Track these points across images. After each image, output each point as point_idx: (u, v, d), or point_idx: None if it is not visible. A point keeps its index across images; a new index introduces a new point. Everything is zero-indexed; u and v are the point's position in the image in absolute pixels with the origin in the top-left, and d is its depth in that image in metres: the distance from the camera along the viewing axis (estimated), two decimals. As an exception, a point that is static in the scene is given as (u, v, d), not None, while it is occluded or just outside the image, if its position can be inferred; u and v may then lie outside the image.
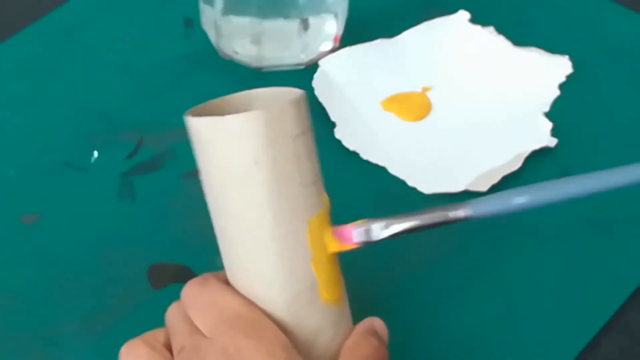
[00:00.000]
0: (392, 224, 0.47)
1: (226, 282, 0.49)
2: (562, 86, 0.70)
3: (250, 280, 0.47)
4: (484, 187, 0.63)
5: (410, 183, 0.64)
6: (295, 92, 0.47)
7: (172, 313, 0.48)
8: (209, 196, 0.47)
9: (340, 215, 0.63)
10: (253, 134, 0.44)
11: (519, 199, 0.46)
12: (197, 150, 0.47)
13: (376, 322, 0.50)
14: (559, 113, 0.69)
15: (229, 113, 0.48)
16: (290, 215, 0.46)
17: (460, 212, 0.46)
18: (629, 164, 0.66)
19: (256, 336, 0.45)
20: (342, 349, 0.48)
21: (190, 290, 0.48)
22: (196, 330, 0.46)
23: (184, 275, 0.59)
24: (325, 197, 0.48)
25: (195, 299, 0.47)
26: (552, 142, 0.66)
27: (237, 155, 0.45)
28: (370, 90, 0.70)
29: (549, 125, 0.67)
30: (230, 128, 0.45)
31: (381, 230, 0.47)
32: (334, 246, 0.47)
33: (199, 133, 0.46)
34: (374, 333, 0.49)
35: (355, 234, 0.47)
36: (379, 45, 0.72)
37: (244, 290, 0.47)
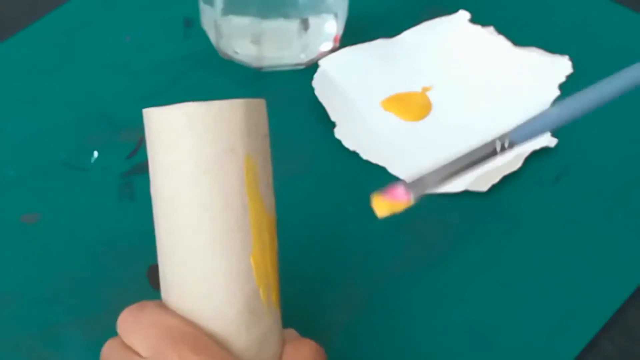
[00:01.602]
0: (441, 169, 0.45)
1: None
2: (562, 86, 0.70)
3: (193, 297, 0.46)
4: (484, 187, 0.63)
5: (410, 183, 0.64)
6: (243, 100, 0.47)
7: (108, 348, 0.46)
8: (160, 204, 0.46)
9: (340, 215, 0.63)
10: (234, 121, 0.45)
11: (553, 111, 0.44)
12: (157, 144, 0.45)
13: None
14: (559, 113, 0.68)
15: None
16: (258, 210, 0.45)
17: (505, 141, 0.44)
18: (628, 164, 0.66)
19: (204, 352, 0.43)
20: (284, 353, 0.47)
21: (128, 316, 0.45)
22: (137, 355, 0.44)
23: (184, 275, 0.59)
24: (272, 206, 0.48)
25: (135, 324, 0.45)
26: (552, 142, 0.66)
27: (214, 140, 0.44)
28: (370, 90, 0.70)
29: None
30: (206, 116, 0.44)
31: (433, 177, 0.44)
32: (385, 209, 0.44)
33: (169, 124, 0.45)
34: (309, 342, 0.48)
35: (409, 188, 0.44)
36: (379, 45, 0.72)
37: (185, 308, 0.46)
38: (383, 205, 0.45)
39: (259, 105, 0.46)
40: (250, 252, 0.45)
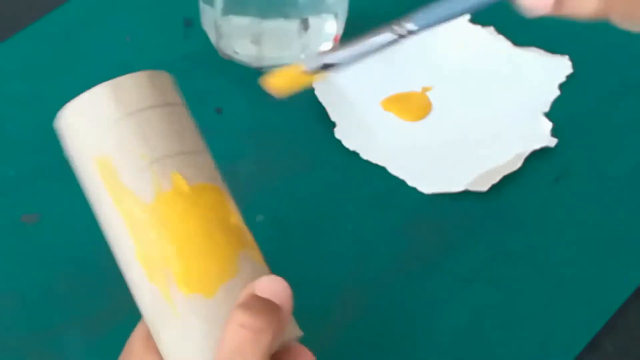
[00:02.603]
0: (344, 52, 0.44)
1: (147, 334, 0.44)
2: (562, 86, 0.70)
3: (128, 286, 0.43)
4: (484, 187, 0.63)
5: (410, 183, 0.64)
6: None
7: None
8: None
9: (340, 215, 0.63)
10: (72, 131, 0.43)
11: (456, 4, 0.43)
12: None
13: (258, 285, 0.41)
14: (559, 113, 0.68)
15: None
16: (129, 205, 0.42)
17: (406, 26, 0.43)
18: (628, 164, 0.66)
19: None
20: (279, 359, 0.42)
21: None
22: None
23: (184, 275, 0.59)
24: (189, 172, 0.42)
25: None
26: (552, 142, 0.66)
27: (70, 155, 0.43)
28: (370, 90, 0.70)
29: (549, 125, 0.67)
30: (60, 128, 0.43)
31: (330, 55, 0.44)
32: (281, 83, 0.44)
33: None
34: (244, 304, 0.40)
35: (310, 62, 0.44)
36: (379, 45, 0.72)
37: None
38: (279, 80, 0.43)
39: (98, 93, 0.43)
40: (134, 253, 0.42)
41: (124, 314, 0.57)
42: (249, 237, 0.44)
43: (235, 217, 0.43)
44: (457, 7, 0.43)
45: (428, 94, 0.70)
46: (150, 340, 0.43)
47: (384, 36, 0.43)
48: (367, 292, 0.59)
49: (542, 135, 0.66)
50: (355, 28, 0.74)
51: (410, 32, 0.43)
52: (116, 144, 0.42)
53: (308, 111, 0.68)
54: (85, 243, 0.61)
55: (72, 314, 0.57)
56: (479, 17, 0.75)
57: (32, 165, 0.65)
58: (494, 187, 0.64)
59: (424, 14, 0.43)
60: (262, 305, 0.40)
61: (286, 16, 0.68)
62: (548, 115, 0.68)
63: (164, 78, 0.44)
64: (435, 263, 0.60)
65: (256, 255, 0.43)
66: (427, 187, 0.64)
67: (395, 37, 0.43)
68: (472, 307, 0.58)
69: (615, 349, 0.57)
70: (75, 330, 0.56)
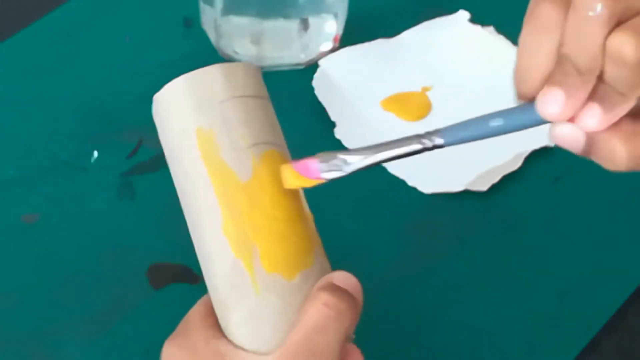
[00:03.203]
0: (363, 153, 0.43)
1: (206, 310, 0.45)
2: (562, 86, 0.70)
3: (202, 263, 0.44)
4: (484, 187, 0.63)
5: (410, 183, 0.64)
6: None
7: None
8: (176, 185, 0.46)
9: (339, 214, 0.63)
10: (177, 103, 0.44)
11: (493, 122, 0.43)
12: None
13: (336, 275, 0.44)
14: (559, 113, 0.68)
15: None
16: (224, 180, 0.43)
17: (434, 140, 0.43)
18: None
19: None
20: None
21: (171, 354, 0.43)
22: None
23: (184, 275, 0.59)
24: (276, 158, 0.44)
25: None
26: (552, 142, 0.66)
27: (170, 127, 0.45)
28: (370, 90, 0.70)
29: (548, 125, 0.67)
30: (161, 102, 0.45)
31: (350, 160, 0.43)
32: (294, 181, 0.43)
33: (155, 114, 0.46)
34: (327, 287, 0.43)
35: (321, 165, 0.43)
36: (379, 45, 0.72)
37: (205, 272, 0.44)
38: (293, 177, 0.43)
39: (212, 73, 0.44)
40: (222, 226, 0.43)
41: (123, 314, 0.57)
42: (318, 235, 0.46)
43: (310, 215, 0.46)
44: (487, 129, 0.43)
45: (428, 94, 0.70)
46: (209, 317, 0.44)
47: (411, 147, 0.43)
48: (367, 291, 0.59)
49: (542, 135, 0.66)
50: (355, 28, 0.74)
51: (436, 147, 0.43)
52: (222, 121, 0.44)
53: (308, 111, 0.68)
54: (85, 243, 0.61)
55: (72, 314, 0.57)
56: (479, 17, 0.75)
57: (32, 165, 0.65)
58: (493, 187, 0.64)
59: (454, 131, 0.43)
60: (343, 291, 0.43)
61: (286, 16, 0.68)
62: (548, 115, 0.68)
63: (260, 73, 0.47)
64: (435, 263, 0.60)
65: (324, 254, 0.46)
66: (427, 187, 0.64)
67: (421, 148, 0.43)
68: (472, 306, 0.58)
69: (615, 349, 0.57)
70: (75, 330, 0.56)
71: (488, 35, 0.72)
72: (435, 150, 0.66)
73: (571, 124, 0.39)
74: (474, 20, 0.74)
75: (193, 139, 0.44)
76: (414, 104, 0.69)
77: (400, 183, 0.64)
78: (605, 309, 0.58)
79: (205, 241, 0.44)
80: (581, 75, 0.37)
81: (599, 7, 0.35)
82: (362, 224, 0.62)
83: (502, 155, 0.65)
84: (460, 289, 0.59)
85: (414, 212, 0.63)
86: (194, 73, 0.45)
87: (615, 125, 0.38)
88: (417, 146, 0.43)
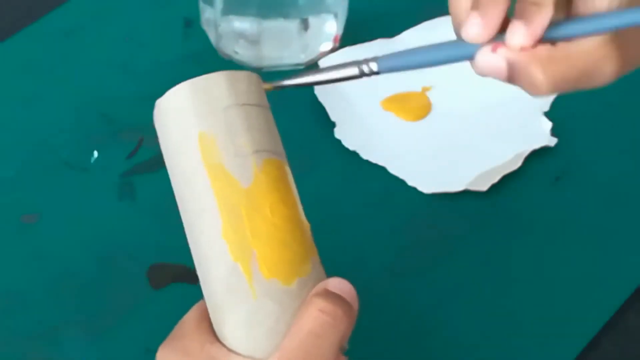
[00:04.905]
0: (304, 75, 0.46)
1: (201, 315, 0.45)
2: (562, 86, 0.70)
3: (198, 267, 0.45)
4: (484, 187, 0.63)
5: (410, 183, 0.64)
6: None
7: None
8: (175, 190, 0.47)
9: (339, 214, 0.63)
10: (181, 108, 0.45)
11: (428, 53, 0.44)
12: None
13: (331, 282, 0.44)
14: (558, 113, 0.69)
15: None
16: (224, 185, 0.44)
17: (370, 66, 0.45)
18: (628, 164, 0.66)
19: None
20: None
21: (165, 358, 0.43)
22: None
23: (184, 275, 0.59)
24: (276, 166, 0.46)
25: None
26: (552, 141, 0.66)
27: (173, 131, 0.45)
28: (370, 90, 0.70)
29: (548, 124, 0.67)
30: (164, 106, 0.45)
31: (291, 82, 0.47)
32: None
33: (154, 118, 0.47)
34: (322, 294, 0.43)
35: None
36: (379, 45, 0.72)
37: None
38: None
39: (216, 79, 0.45)
40: (221, 230, 0.44)
41: (123, 314, 0.57)
42: (314, 245, 0.47)
43: (307, 224, 0.46)
44: (422, 59, 0.45)
45: (428, 94, 0.70)
46: (203, 322, 0.44)
47: (349, 70, 0.46)
48: (366, 291, 0.59)
49: (542, 135, 0.66)
50: (355, 28, 0.74)
51: (373, 73, 0.45)
52: (224, 127, 0.45)
53: (308, 111, 0.69)
54: (85, 243, 0.61)
55: (72, 314, 0.57)
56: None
57: (32, 165, 0.65)
58: (493, 187, 0.64)
59: (389, 60, 0.45)
60: (338, 298, 0.43)
61: (286, 16, 0.68)
62: (548, 114, 0.68)
63: (262, 83, 0.47)
64: (435, 263, 0.60)
65: (320, 262, 0.46)
66: (427, 187, 0.64)
67: (358, 74, 0.45)
68: (472, 307, 0.58)
69: (615, 349, 0.57)
70: (75, 330, 0.56)
71: (488, 35, 0.72)
72: (435, 151, 0.66)
73: (492, 52, 0.42)
74: (474, 20, 0.74)
75: (195, 143, 0.44)
76: (414, 104, 0.69)
77: (400, 183, 0.64)
78: (605, 309, 0.58)
79: (203, 245, 0.44)
80: None
81: None
82: (362, 224, 0.62)
83: (502, 155, 0.65)
84: (460, 289, 0.59)
85: (414, 212, 0.63)
86: (198, 79, 0.45)
87: (534, 52, 0.41)
88: (354, 70, 0.45)
